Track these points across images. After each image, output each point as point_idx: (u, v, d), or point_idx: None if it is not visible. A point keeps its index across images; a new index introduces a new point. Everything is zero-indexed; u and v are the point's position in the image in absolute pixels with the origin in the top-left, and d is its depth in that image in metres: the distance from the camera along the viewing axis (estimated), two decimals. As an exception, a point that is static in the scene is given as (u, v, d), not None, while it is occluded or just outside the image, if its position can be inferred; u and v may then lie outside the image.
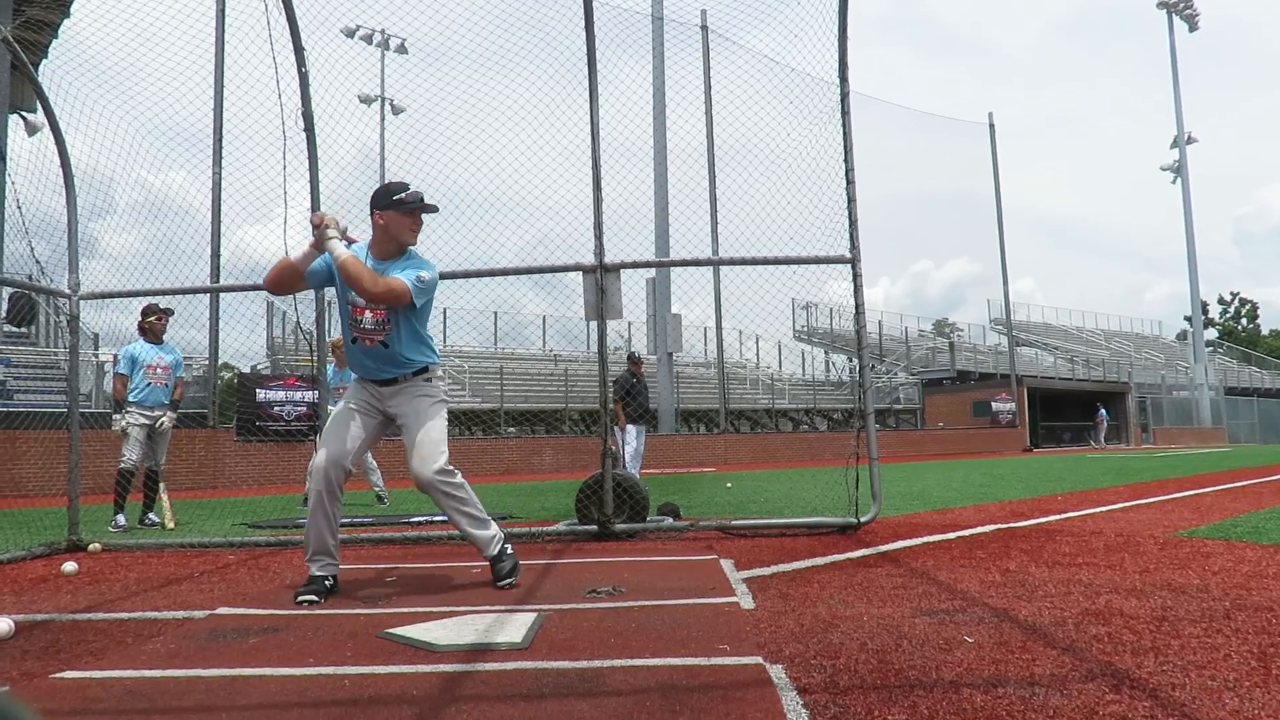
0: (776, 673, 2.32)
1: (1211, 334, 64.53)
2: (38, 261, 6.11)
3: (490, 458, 18.50)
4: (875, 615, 3.03)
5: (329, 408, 6.42)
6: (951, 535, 5.35)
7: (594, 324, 5.72)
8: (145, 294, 7.33)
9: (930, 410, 32.88)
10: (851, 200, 5.60)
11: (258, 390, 15.83)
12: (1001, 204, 34.36)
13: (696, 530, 5.67)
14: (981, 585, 3.57)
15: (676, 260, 7.38)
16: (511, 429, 21.85)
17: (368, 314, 3.79)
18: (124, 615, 3.41)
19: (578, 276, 5.70)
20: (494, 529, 3.91)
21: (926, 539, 5.18)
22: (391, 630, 2.93)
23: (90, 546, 5.53)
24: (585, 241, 5.73)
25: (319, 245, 3.72)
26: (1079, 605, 3.12)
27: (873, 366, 30.87)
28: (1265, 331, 73.12)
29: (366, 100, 27.50)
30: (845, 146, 5.66)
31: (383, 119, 28.37)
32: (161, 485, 7.44)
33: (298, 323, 6.17)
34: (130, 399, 7.35)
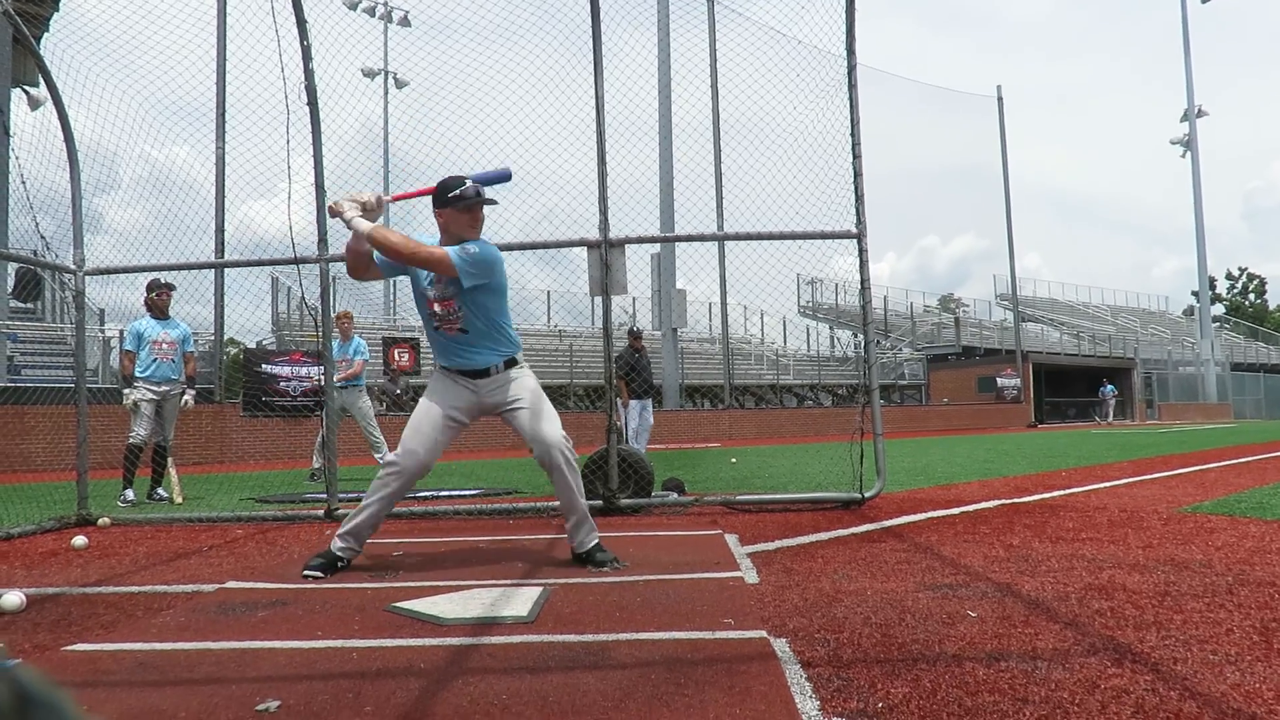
0: (780, 646, 2.34)
1: (1219, 309, 64.25)
2: (43, 237, 6.11)
3: (495, 433, 18.55)
4: (879, 590, 3.05)
5: (335, 383, 6.44)
6: (955, 510, 5.36)
7: (599, 299, 5.71)
8: (150, 269, 7.33)
9: (935, 386, 32.85)
10: (857, 175, 5.56)
11: (263, 365, 15.87)
12: (1009, 178, 34.14)
13: (701, 505, 5.70)
14: (985, 560, 3.59)
15: (681, 235, 7.36)
16: (517, 404, 21.84)
17: (437, 306, 3.78)
18: (134, 589, 3.45)
19: (582, 252, 5.69)
20: (592, 523, 3.88)
21: (930, 514, 5.20)
22: (398, 604, 2.95)
23: (99, 521, 5.58)
24: (590, 216, 5.72)
25: (342, 220, 3.71)
26: (1082, 580, 3.13)
27: (878, 342, 30.84)
28: (1273, 307, 72.76)
29: (370, 74, 27.34)
30: (852, 120, 5.61)
31: (386, 93, 28.25)
32: (169, 460, 7.48)
33: (303, 298, 6.16)
34: (138, 374, 7.37)
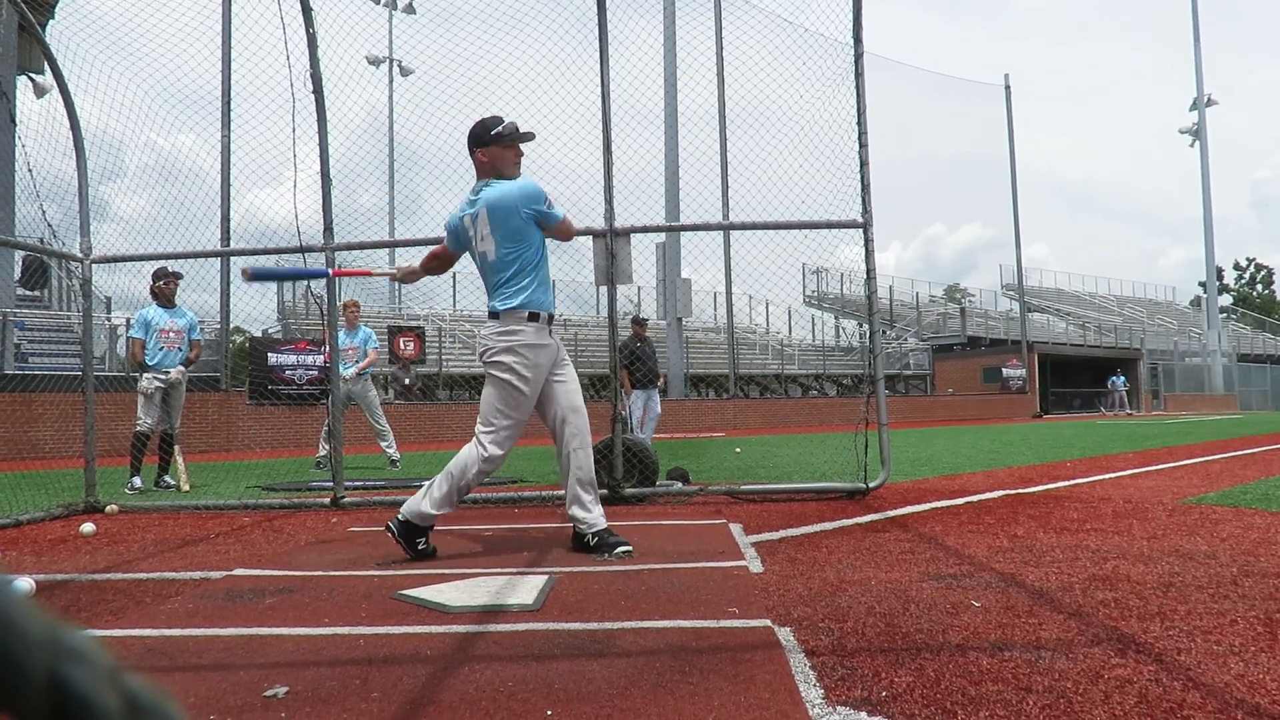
0: (784, 635, 2.35)
1: (1226, 300, 63.98)
2: (49, 225, 6.12)
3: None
4: (883, 579, 3.06)
5: (340, 371, 6.45)
6: (960, 501, 5.36)
7: (604, 289, 5.71)
8: (156, 258, 7.34)
9: (940, 376, 32.80)
10: (864, 164, 5.54)
11: (269, 354, 15.92)
12: (1016, 168, 33.99)
13: (706, 495, 5.71)
14: (989, 550, 3.59)
15: (687, 225, 7.34)
16: (521, 393, 21.87)
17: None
18: (142, 575, 3.47)
19: (587, 241, 5.68)
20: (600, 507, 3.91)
21: (935, 504, 5.20)
22: (405, 591, 2.97)
23: (108, 508, 5.61)
24: (595, 205, 5.70)
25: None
26: (1086, 571, 3.14)
27: (883, 332, 30.78)
28: (1280, 297, 72.44)
29: (375, 62, 27.28)
30: (858, 109, 5.59)
31: (391, 81, 28.19)
32: (176, 448, 7.51)
33: (308, 286, 6.18)
34: (146, 362, 7.41)
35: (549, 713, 1.81)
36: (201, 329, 8.08)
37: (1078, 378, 37.82)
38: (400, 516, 3.72)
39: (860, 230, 5.54)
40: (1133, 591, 2.79)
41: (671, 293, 20.16)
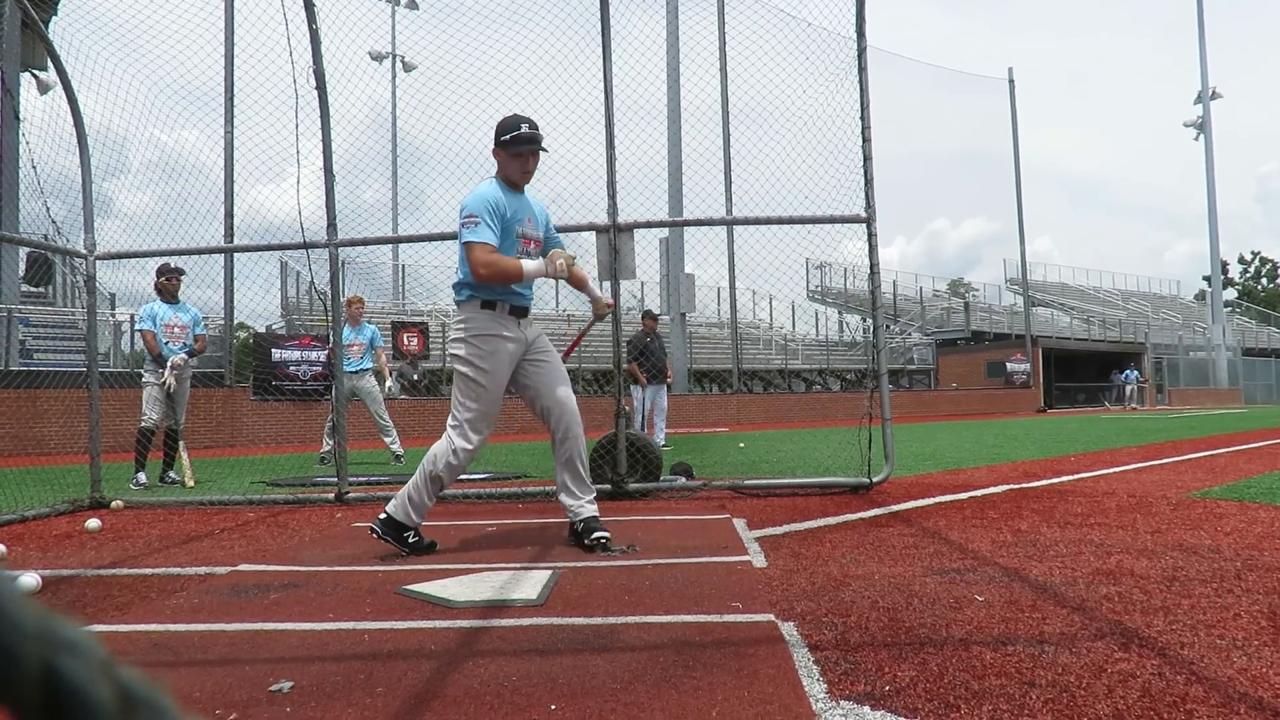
0: (788, 630, 2.35)
1: (1231, 294, 63.77)
2: (54, 221, 6.13)
3: (504, 417, 18.57)
4: (886, 574, 3.06)
5: (343, 368, 6.46)
6: (963, 495, 5.36)
7: (607, 284, 5.71)
8: (161, 254, 7.36)
9: (944, 371, 32.77)
10: (867, 158, 5.53)
11: (273, 350, 15.94)
12: (1020, 162, 33.89)
13: (709, 490, 5.71)
14: (993, 545, 3.59)
15: (690, 220, 7.33)
16: (525, 389, 21.89)
17: (531, 246, 3.85)
18: (147, 571, 3.48)
19: (591, 236, 5.68)
20: (593, 498, 3.91)
21: (938, 499, 5.20)
22: (409, 587, 2.98)
23: (113, 504, 5.63)
24: (598, 201, 5.70)
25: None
26: (1090, 565, 3.14)
27: (887, 327, 30.72)
28: (1285, 291, 72.20)
29: (378, 57, 27.27)
30: (862, 103, 5.57)
31: (394, 76, 28.15)
32: (181, 444, 7.53)
33: (311, 282, 6.19)
34: (147, 357, 7.44)
35: (553, 707, 1.81)
36: (206, 324, 8.09)
37: (1082, 372, 37.75)
38: (382, 515, 3.74)
39: (864, 225, 5.53)
40: (1136, 586, 2.79)
41: (675, 288, 20.15)
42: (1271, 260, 74.29)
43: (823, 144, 6.21)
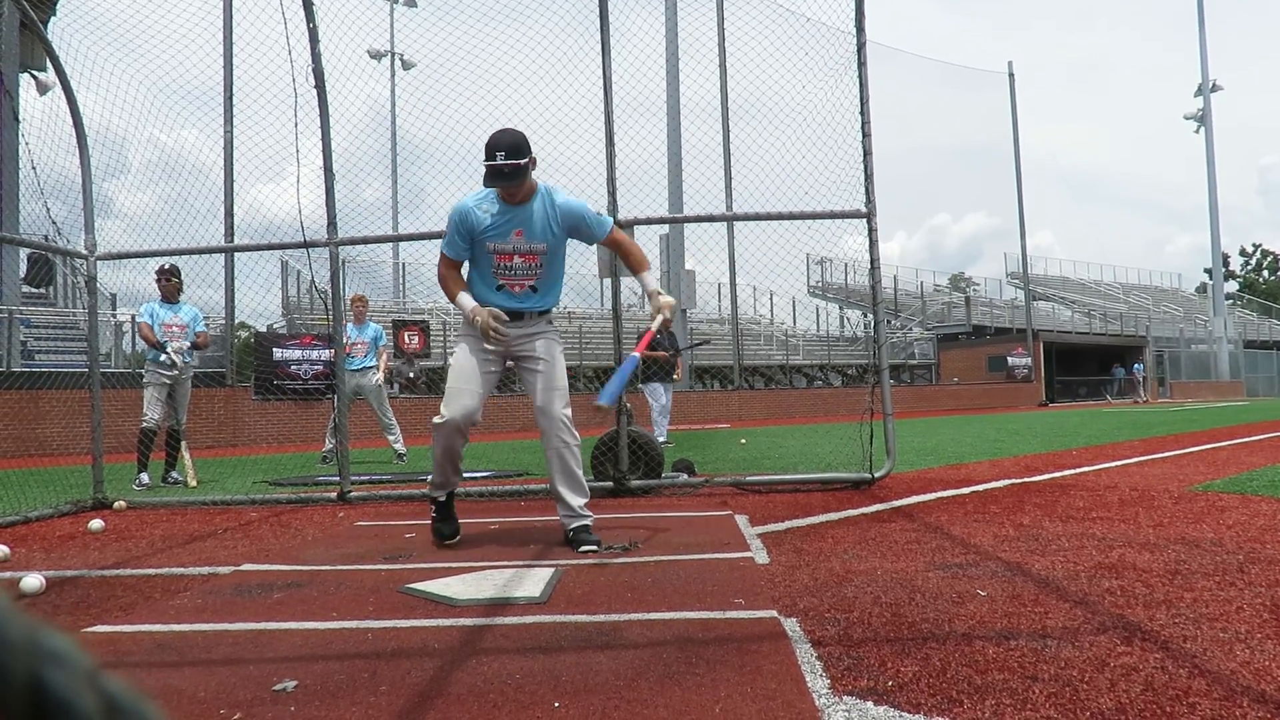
0: (791, 626, 2.35)
1: (1232, 286, 63.70)
2: (54, 222, 6.14)
3: (506, 415, 18.61)
4: (889, 569, 3.06)
5: (345, 367, 6.46)
6: (965, 490, 5.36)
7: (608, 281, 5.71)
8: (161, 254, 7.36)
9: (945, 365, 32.76)
10: (867, 154, 5.52)
11: (274, 349, 15.94)
12: (1020, 156, 33.85)
13: (711, 486, 5.72)
14: (995, 539, 3.59)
15: (690, 216, 7.33)
16: (526, 386, 21.89)
17: (517, 259, 3.74)
18: (151, 571, 3.49)
19: (591, 234, 5.67)
20: (586, 508, 3.86)
21: (940, 494, 5.20)
22: (412, 585, 2.98)
23: (115, 504, 5.63)
24: (598, 197, 5.70)
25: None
26: (1092, 559, 3.14)
27: (888, 322, 30.72)
28: (1286, 283, 72.08)
29: (376, 56, 27.25)
30: (861, 98, 5.57)
31: (393, 74, 28.13)
32: (183, 444, 7.54)
33: (312, 281, 6.19)
34: (149, 357, 7.45)
35: (556, 704, 1.81)
36: (206, 324, 8.09)
37: (1083, 366, 37.73)
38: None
39: (864, 220, 5.53)
40: (1139, 579, 2.79)
41: (675, 284, 20.11)
42: (1273, 253, 74.17)
43: (823, 139, 6.21)
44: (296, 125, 5.67)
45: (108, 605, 2.89)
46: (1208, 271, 49.93)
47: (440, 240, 3.92)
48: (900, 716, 1.71)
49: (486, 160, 3.57)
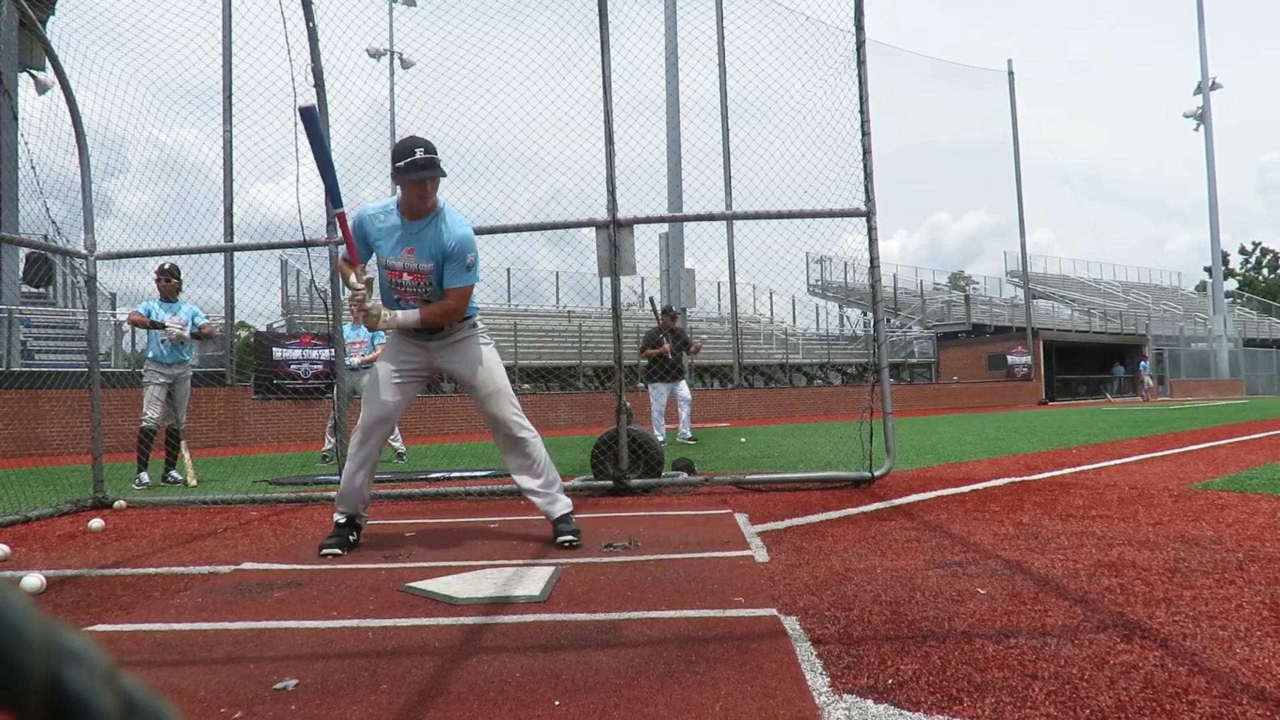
0: (791, 624, 2.35)
1: (1232, 284, 63.70)
2: (53, 222, 6.14)
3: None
4: (888, 568, 3.07)
5: (345, 365, 6.47)
6: (965, 489, 5.37)
7: (607, 280, 5.71)
8: (161, 254, 7.35)
9: (945, 364, 32.75)
10: (867, 152, 5.52)
11: (274, 349, 15.94)
12: (1020, 154, 33.84)
13: (711, 485, 5.72)
14: (994, 538, 3.60)
15: (690, 215, 7.33)
16: (525, 385, 21.95)
17: (406, 276, 3.78)
18: (151, 570, 3.49)
19: (591, 232, 5.68)
20: (561, 495, 3.96)
21: (940, 492, 5.20)
22: (412, 584, 2.98)
23: (115, 504, 5.63)
24: (598, 196, 5.70)
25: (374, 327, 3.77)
26: (1091, 557, 3.14)
27: (887, 320, 30.70)
28: (1286, 282, 72.07)
29: (375, 55, 27.19)
30: (861, 97, 5.57)
31: (392, 73, 28.10)
32: (183, 443, 7.54)
33: (312, 281, 6.19)
34: (148, 356, 7.45)
35: (556, 703, 1.82)
36: (208, 320, 8.06)
37: (1083, 364, 37.73)
38: None
39: (864, 219, 5.53)
40: (1138, 577, 2.79)
41: (675, 283, 20.13)
42: (1272, 250, 74.15)
43: (822, 138, 6.21)
44: (296, 124, 5.67)
45: (108, 604, 2.90)
46: (1207, 269, 49.93)
47: None
48: (900, 714, 1.71)
49: (410, 157, 3.56)
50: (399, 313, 3.71)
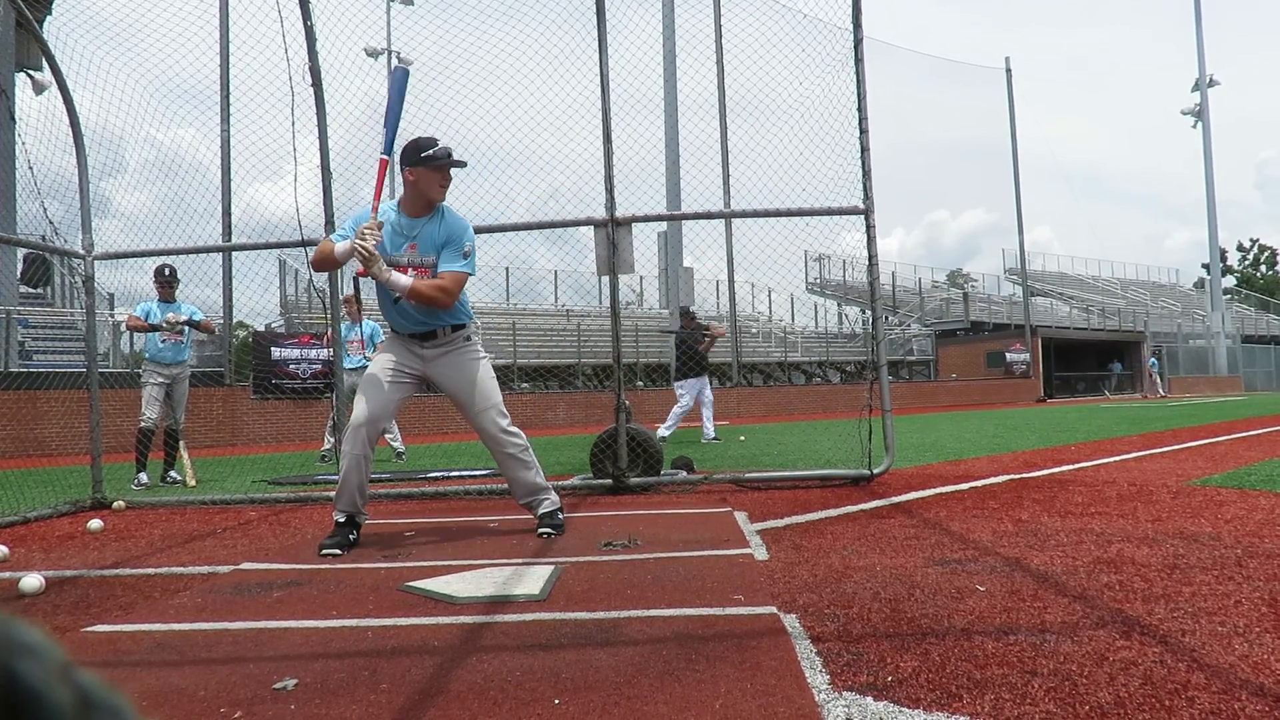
0: (790, 622, 2.35)
1: (1230, 281, 63.74)
2: (51, 222, 6.12)
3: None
4: (888, 565, 3.07)
5: (343, 365, 6.46)
6: (964, 486, 5.37)
7: (606, 279, 5.71)
8: (159, 254, 7.35)
9: (944, 362, 32.76)
10: (865, 150, 5.52)
11: (273, 348, 15.93)
12: (1018, 151, 33.84)
13: (710, 483, 5.72)
14: (994, 535, 3.60)
15: (688, 213, 7.32)
16: (524, 384, 21.95)
17: (410, 272, 3.82)
18: (150, 571, 3.49)
19: (589, 231, 5.68)
20: (551, 494, 4.11)
21: (939, 490, 5.21)
22: (412, 583, 2.98)
23: (114, 504, 5.63)
24: (596, 195, 5.70)
25: (371, 276, 3.77)
26: (1091, 554, 3.14)
27: (886, 318, 30.69)
28: (1284, 278, 72.14)
29: (373, 54, 27.13)
30: (858, 95, 5.56)
31: (390, 73, 28.07)
32: (181, 443, 7.54)
33: (310, 280, 6.19)
34: (146, 356, 7.44)
35: (556, 702, 1.82)
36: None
37: (1082, 361, 37.75)
38: None
39: (862, 217, 5.53)
40: (1137, 574, 2.79)
41: (674, 282, 20.15)
42: (1270, 247, 74.29)
43: (820, 136, 6.21)
44: (294, 124, 5.67)
45: (107, 605, 2.89)
46: (1205, 266, 49.96)
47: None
48: (900, 712, 1.71)
49: (430, 148, 3.75)
50: (394, 272, 3.73)
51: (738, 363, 24.75)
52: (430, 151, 3.77)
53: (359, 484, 3.88)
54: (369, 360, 8.85)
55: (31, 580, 3.07)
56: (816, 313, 33.77)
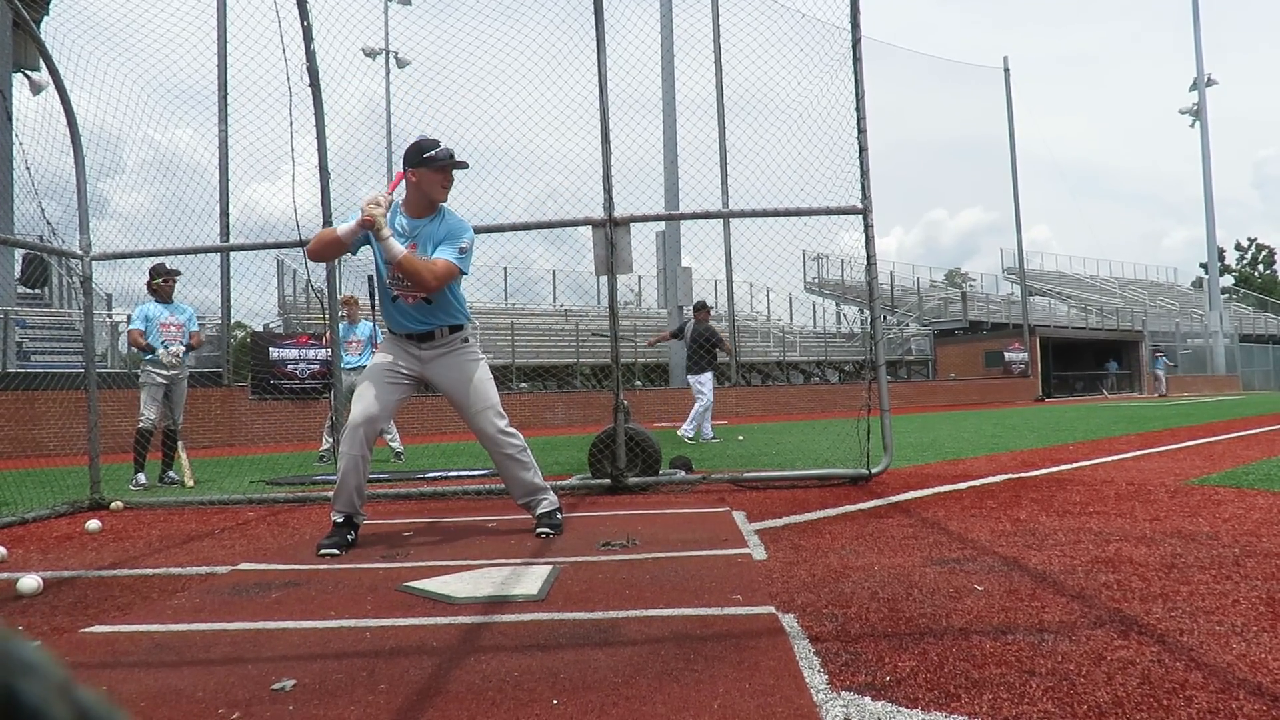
0: (789, 622, 2.36)
1: (1228, 281, 63.80)
2: (49, 223, 6.11)
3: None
4: (886, 565, 3.07)
5: (341, 365, 6.46)
6: (962, 485, 5.37)
7: (604, 278, 5.71)
8: (157, 254, 7.34)
9: (942, 361, 32.78)
10: (863, 149, 5.52)
11: (271, 349, 15.91)
12: (1016, 150, 33.86)
13: (709, 483, 5.72)
14: (992, 534, 3.60)
15: (686, 213, 7.32)
16: (523, 384, 21.94)
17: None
18: (148, 571, 3.48)
19: (588, 230, 5.68)
20: (549, 494, 4.14)
21: (937, 489, 5.21)
22: (410, 584, 2.98)
23: (112, 505, 5.63)
24: (595, 195, 5.69)
25: (374, 235, 3.76)
26: (1089, 553, 3.15)
27: (884, 318, 30.69)
28: (1282, 277, 72.23)
29: (371, 54, 27.15)
30: (857, 94, 5.57)
31: (388, 72, 28.07)
32: (179, 444, 7.53)
33: (308, 280, 6.19)
34: (144, 358, 7.43)
35: (555, 702, 1.82)
36: (203, 324, 8.08)
37: (1080, 361, 37.78)
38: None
39: (860, 216, 5.53)
40: (1135, 573, 2.80)
41: (672, 281, 20.14)
42: (1268, 246, 74.38)
43: (818, 135, 6.20)
44: (291, 124, 5.67)
45: (105, 605, 2.89)
46: (1203, 266, 49.99)
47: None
48: (898, 711, 1.72)
49: (433, 149, 3.79)
50: (393, 238, 3.74)
51: (736, 362, 24.75)
52: (433, 152, 3.80)
53: (357, 484, 3.88)
54: (363, 362, 8.87)
55: (29, 581, 3.06)
56: (815, 312, 33.83)
